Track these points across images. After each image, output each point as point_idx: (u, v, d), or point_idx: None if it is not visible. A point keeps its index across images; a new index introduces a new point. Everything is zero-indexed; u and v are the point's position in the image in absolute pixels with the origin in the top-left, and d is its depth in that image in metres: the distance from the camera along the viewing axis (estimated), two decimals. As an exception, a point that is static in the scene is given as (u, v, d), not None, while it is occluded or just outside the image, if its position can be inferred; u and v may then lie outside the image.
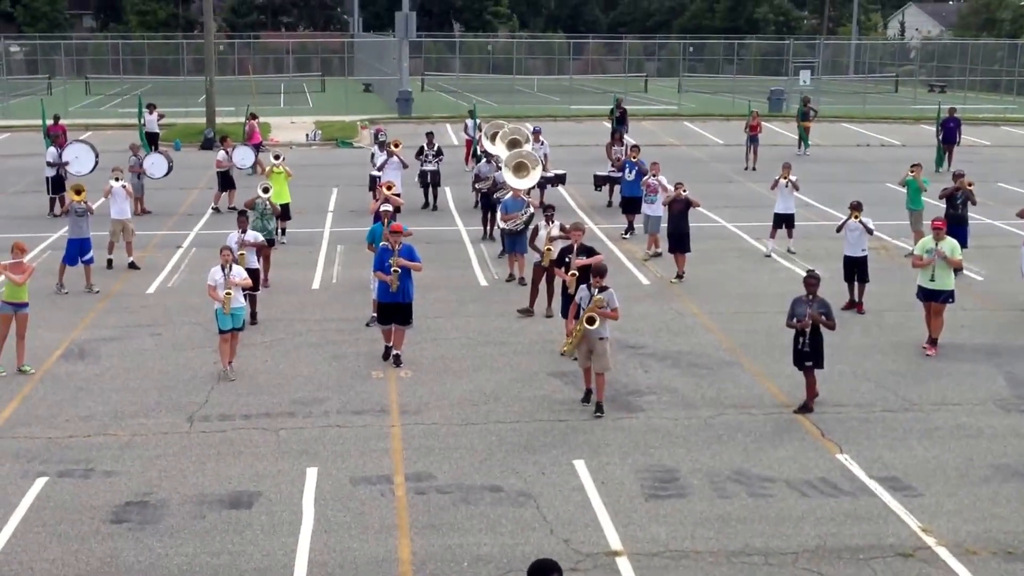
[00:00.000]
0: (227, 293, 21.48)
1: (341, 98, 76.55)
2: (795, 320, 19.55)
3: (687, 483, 16.96)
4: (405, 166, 35.99)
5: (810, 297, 19.62)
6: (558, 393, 20.65)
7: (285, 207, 32.53)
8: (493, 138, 37.47)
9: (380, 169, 35.78)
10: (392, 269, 21.90)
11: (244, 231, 25.15)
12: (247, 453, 18.08)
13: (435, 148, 38.72)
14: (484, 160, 35.74)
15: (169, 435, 18.71)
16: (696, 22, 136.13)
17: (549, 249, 24.90)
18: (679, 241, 29.05)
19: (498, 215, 29.78)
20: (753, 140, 47.93)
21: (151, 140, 48.79)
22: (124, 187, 31.51)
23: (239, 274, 22.10)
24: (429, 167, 38.40)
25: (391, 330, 22.50)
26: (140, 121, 49.91)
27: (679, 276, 28.96)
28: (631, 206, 34.16)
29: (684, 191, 28.96)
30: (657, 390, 20.95)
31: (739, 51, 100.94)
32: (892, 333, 24.66)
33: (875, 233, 27.11)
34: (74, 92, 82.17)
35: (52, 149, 38.13)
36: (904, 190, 32.34)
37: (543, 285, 25.60)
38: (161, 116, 51.74)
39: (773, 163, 40.08)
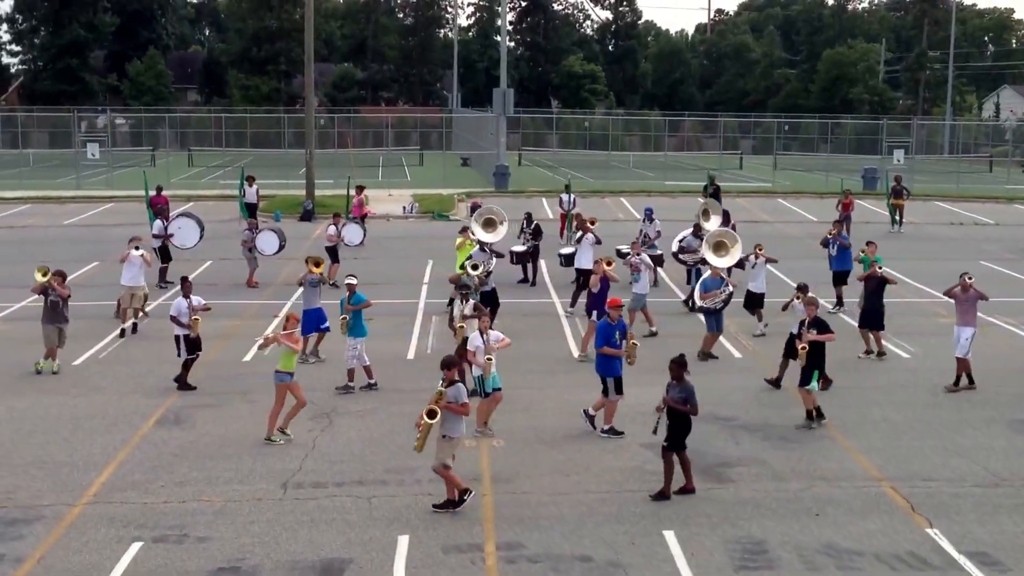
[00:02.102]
0: (488, 359, 22.04)
1: (439, 172, 77.07)
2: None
3: (776, 555, 16.96)
4: (599, 242, 35.92)
5: (673, 381, 19.41)
6: (649, 464, 20.65)
7: None
8: (486, 224, 36.95)
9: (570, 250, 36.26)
10: (631, 343, 22.45)
11: (188, 297, 26.02)
12: (339, 520, 18.26)
13: (533, 227, 39.07)
14: (691, 233, 35.86)
15: (263, 501, 18.96)
16: (791, 101, 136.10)
17: (462, 326, 25.03)
18: (874, 318, 28.91)
19: (695, 293, 29.72)
20: (846, 218, 47.77)
21: (251, 211, 49.59)
22: (142, 255, 32.30)
23: (496, 338, 22.68)
24: (527, 246, 38.73)
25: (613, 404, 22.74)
26: (240, 192, 50.71)
27: (880, 354, 28.83)
28: (839, 279, 34.37)
29: (880, 268, 28.86)
30: (747, 462, 20.99)
31: (833, 130, 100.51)
32: (983, 408, 24.49)
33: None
34: (177, 164, 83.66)
35: (158, 222, 38.81)
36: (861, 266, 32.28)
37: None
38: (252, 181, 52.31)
39: (863, 241, 40.02)
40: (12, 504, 18.95)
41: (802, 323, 23.57)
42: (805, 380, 23.02)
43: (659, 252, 38.21)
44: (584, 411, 23.01)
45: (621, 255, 38.62)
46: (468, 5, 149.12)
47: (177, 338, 26.06)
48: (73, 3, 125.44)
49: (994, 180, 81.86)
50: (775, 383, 25.98)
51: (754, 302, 31.61)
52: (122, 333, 31.16)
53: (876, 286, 28.69)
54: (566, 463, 20.95)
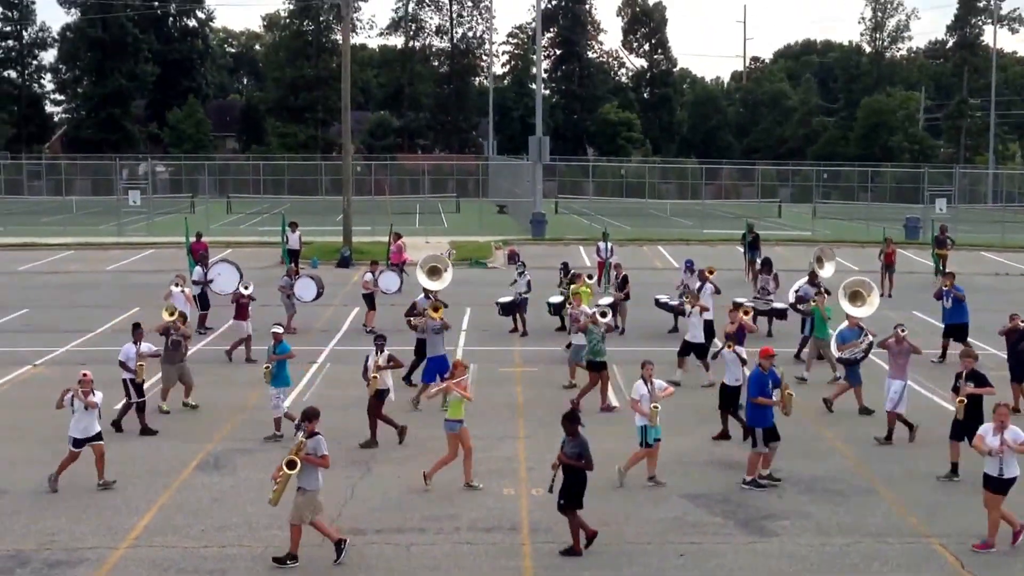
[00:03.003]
0: (654, 407, 21.95)
1: (476, 219, 77.32)
2: None
3: (821, 611, 16.78)
4: (718, 291, 35.62)
5: (568, 437, 19.18)
6: (690, 515, 20.53)
7: None
8: (431, 272, 36.78)
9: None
10: (785, 392, 22.41)
11: (138, 343, 26.36)
12: (378, 568, 18.24)
13: (570, 276, 39.04)
14: (806, 282, 35.57)
15: (302, 548, 18.80)
16: (830, 149, 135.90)
17: (375, 377, 24.96)
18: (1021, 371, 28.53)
19: (832, 344, 29.39)
20: (889, 268, 47.56)
21: (292, 257, 49.84)
22: (183, 292, 33.74)
23: (661, 387, 22.65)
24: (564, 296, 38.72)
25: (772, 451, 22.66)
26: (283, 239, 50.93)
27: (1015, 409, 27.54)
28: (954, 332, 33.85)
29: (1021, 321, 28.66)
30: (791, 515, 20.76)
31: (873, 178, 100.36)
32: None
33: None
34: (216, 210, 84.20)
35: (198, 268, 39.09)
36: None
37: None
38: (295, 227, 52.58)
39: (909, 290, 40.17)
40: (56, 546, 19.05)
41: (959, 375, 23.13)
42: (956, 433, 22.63)
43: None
44: (761, 476, 22.73)
45: (659, 304, 38.68)
46: (503, 53, 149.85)
47: (124, 382, 26.50)
48: (115, 53, 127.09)
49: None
50: (724, 436, 25.81)
51: (695, 350, 31.40)
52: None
53: (1018, 338, 28.42)
54: (606, 513, 20.76)
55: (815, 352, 31.64)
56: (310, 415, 19.07)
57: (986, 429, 19.15)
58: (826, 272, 36.75)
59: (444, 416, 22.54)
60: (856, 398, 28.08)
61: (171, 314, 28.24)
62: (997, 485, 18.91)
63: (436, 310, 28.67)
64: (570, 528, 18.99)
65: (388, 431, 25.45)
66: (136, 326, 27.26)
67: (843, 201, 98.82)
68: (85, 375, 22.17)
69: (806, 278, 36.00)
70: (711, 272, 35.47)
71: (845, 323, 28.82)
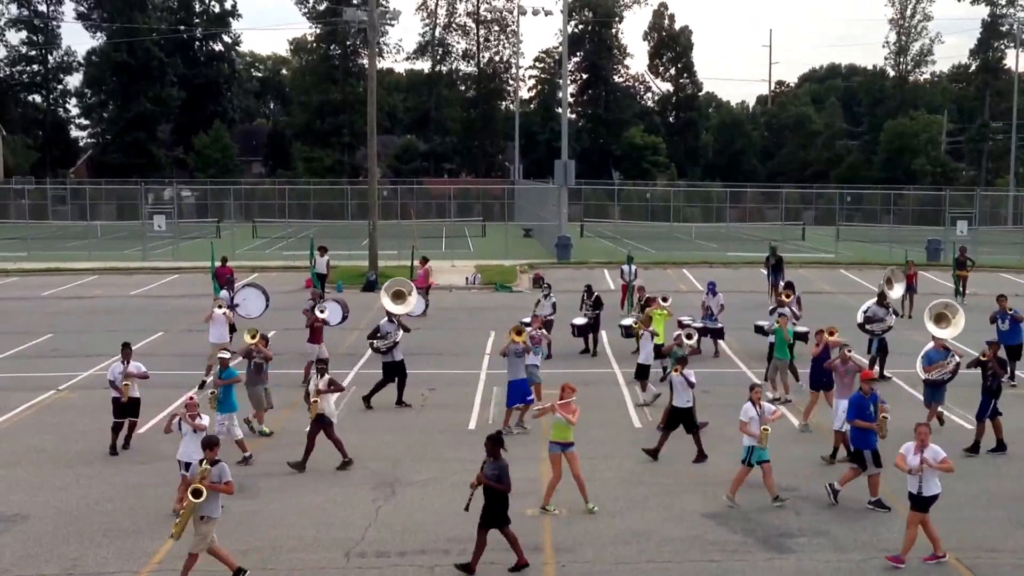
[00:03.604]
0: (764, 430, 22.14)
1: (501, 243, 77.39)
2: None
3: (838, 627, 16.91)
4: (797, 317, 35.63)
5: (489, 458, 19.29)
6: (709, 533, 20.68)
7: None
8: (395, 296, 36.85)
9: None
10: (882, 416, 22.57)
11: (125, 363, 26.59)
12: (401, 590, 18.29)
13: (594, 298, 39.25)
14: (875, 302, 35.38)
15: (326, 570, 19.11)
16: (853, 172, 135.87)
17: (315, 402, 24.93)
18: None
19: (917, 365, 29.03)
20: (910, 289, 47.66)
21: (320, 281, 50.18)
22: (224, 314, 34.10)
23: (770, 411, 22.81)
24: (588, 318, 38.91)
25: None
26: (311, 263, 51.26)
27: None
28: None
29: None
30: (808, 532, 20.92)
31: (896, 201, 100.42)
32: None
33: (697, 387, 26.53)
34: (242, 235, 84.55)
35: (224, 292, 39.41)
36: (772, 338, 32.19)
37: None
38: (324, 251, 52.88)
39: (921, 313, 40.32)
40: (78, 571, 19.20)
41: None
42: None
43: (720, 326, 38.30)
44: (829, 485, 22.94)
45: (683, 327, 38.81)
46: (530, 78, 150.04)
47: (113, 400, 26.84)
48: (141, 77, 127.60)
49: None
50: (653, 454, 25.92)
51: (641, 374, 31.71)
52: (202, 385, 32.52)
53: None
54: (627, 532, 20.97)
55: (774, 372, 31.67)
56: (211, 443, 19.13)
57: (907, 448, 19.45)
58: (895, 293, 36.54)
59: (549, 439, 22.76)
60: (931, 412, 28.01)
61: (253, 336, 28.39)
62: (917, 503, 19.20)
63: (519, 333, 28.70)
64: (510, 544, 19.12)
65: (401, 452, 25.64)
66: (125, 345, 27.54)
67: (866, 224, 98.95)
68: (192, 398, 22.50)
69: (875, 299, 35.82)
70: (788, 296, 35.60)
71: (931, 344, 28.87)
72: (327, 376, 25.37)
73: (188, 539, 18.36)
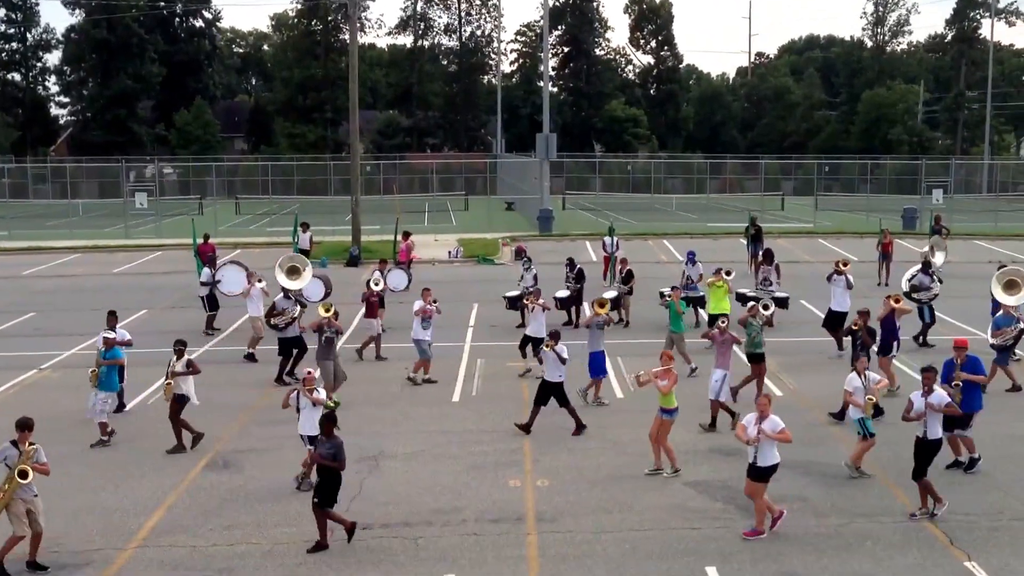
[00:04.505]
0: (869, 399, 22.11)
1: (484, 216, 77.55)
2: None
3: (817, 590, 17.10)
4: (850, 287, 35.01)
5: (322, 436, 19.38)
6: (691, 501, 20.89)
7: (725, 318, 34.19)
8: (290, 272, 36.88)
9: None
10: (956, 384, 22.43)
11: (114, 331, 27.32)
12: (386, 561, 18.54)
13: (576, 271, 39.34)
14: (920, 270, 35.61)
15: (311, 543, 19.19)
16: (831, 143, 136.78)
17: (169, 384, 24.88)
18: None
19: (989, 332, 29.92)
20: (885, 257, 47.99)
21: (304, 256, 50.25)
22: (263, 289, 34.77)
23: (874, 380, 22.89)
24: (570, 291, 39.00)
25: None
26: (294, 239, 51.31)
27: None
28: None
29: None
30: (788, 499, 21.08)
31: (873, 171, 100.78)
32: (1021, 445, 24.61)
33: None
34: (224, 212, 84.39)
35: (206, 270, 39.51)
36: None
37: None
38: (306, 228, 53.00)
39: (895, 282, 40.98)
40: (63, 550, 19.27)
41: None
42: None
43: (701, 294, 38.48)
44: (967, 459, 23.14)
45: (664, 297, 39.05)
46: (511, 52, 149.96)
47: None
48: (121, 54, 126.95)
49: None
50: (526, 428, 26.01)
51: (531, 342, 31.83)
52: (251, 358, 33.83)
53: None
54: (609, 501, 21.16)
55: (670, 344, 31.37)
56: (24, 425, 19.07)
57: (748, 419, 19.66)
58: (938, 260, 36.76)
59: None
60: (1008, 376, 29.03)
61: (327, 310, 28.58)
62: (755, 473, 19.40)
63: (602, 306, 28.94)
64: (318, 525, 19.22)
65: (385, 425, 25.79)
66: (111, 313, 28.68)
67: (844, 193, 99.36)
68: (309, 373, 22.54)
69: (919, 266, 36.03)
70: (845, 265, 35.38)
71: (1000, 312, 29.68)
72: (185, 357, 25.22)
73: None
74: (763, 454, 19.32)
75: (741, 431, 19.56)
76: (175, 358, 25.11)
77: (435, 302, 30.96)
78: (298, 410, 22.31)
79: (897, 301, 29.34)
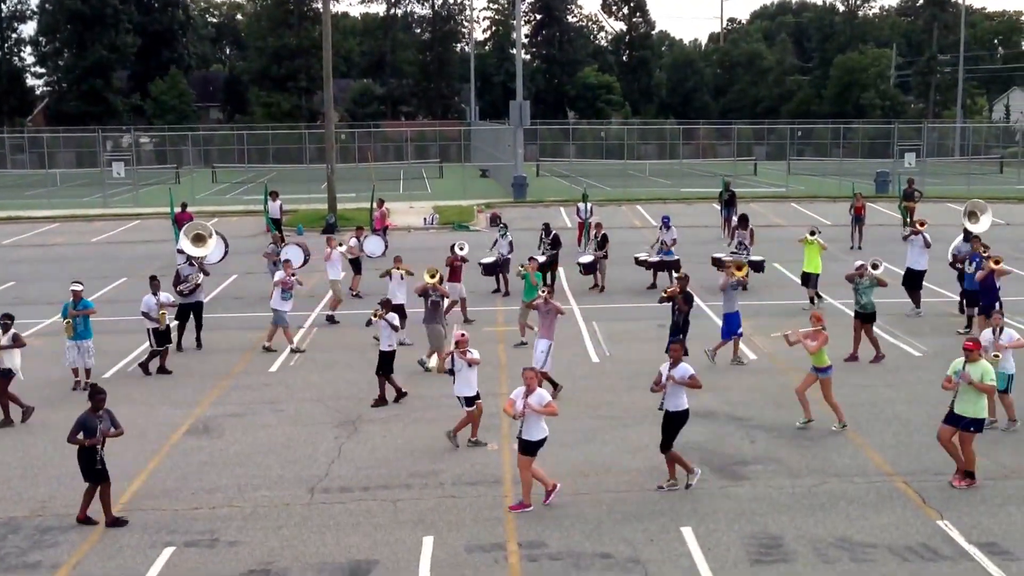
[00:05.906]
0: (995, 356, 21.78)
1: (459, 184, 77.71)
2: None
3: (791, 549, 17.40)
4: (928, 245, 35.37)
5: (97, 412, 19.32)
6: (666, 464, 21.13)
7: (816, 276, 35.48)
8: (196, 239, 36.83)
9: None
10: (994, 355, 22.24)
11: (156, 294, 28.73)
12: (365, 523, 18.74)
13: (552, 237, 39.54)
14: (962, 239, 35.04)
15: (291, 506, 19.47)
16: (804, 107, 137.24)
17: None
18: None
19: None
20: (858, 220, 48.36)
21: (276, 225, 50.38)
22: (342, 253, 36.23)
23: (1010, 338, 23.12)
24: (546, 256, 39.18)
25: None
26: (265, 208, 51.41)
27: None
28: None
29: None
30: (763, 460, 21.44)
31: (846, 135, 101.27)
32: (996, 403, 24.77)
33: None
34: (201, 180, 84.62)
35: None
36: None
37: None
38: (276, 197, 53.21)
39: (878, 243, 41.15)
40: (47, 513, 19.48)
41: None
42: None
43: (676, 258, 38.81)
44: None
45: (639, 263, 39.47)
46: (484, 19, 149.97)
47: (148, 331, 28.84)
48: (95, 25, 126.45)
49: (1004, 181, 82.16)
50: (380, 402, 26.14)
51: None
52: (332, 319, 35.09)
53: None
54: (585, 464, 21.42)
55: (525, 315, 31.20)
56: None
57: (517, 393, 19.53)
58: (980, 227, 35.64)
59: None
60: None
61: (432, 276, 28.78)
62: (524, 447, 19.31)
63: (740, 268, 29.57)
64: (85, 498, 19.24)
65: (364, 390, 26.01)
66: (153, 278, 29.56)
67: (816, 158, 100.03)
68: (463, 335, 22.65)
69: (961, 236, 35.44)
70: (923, 224, 35.81)
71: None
72: (12, 331, 25.10)
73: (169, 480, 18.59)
74: (529, 428, 19.25)
75: (509, 406, 19.41)
76: (1, 331, 24.96)
77: (998, 262, 30.36)
78: (452, 372, 22.65)
79: (997, 263, 29.86)
